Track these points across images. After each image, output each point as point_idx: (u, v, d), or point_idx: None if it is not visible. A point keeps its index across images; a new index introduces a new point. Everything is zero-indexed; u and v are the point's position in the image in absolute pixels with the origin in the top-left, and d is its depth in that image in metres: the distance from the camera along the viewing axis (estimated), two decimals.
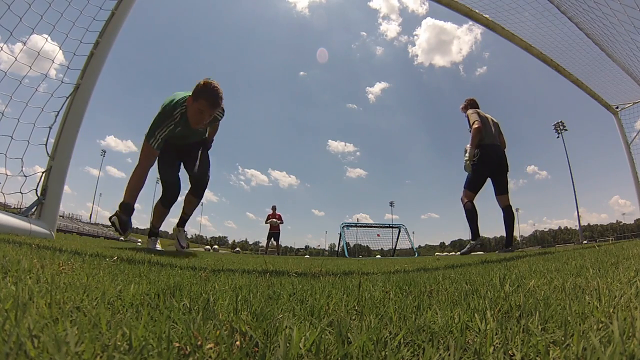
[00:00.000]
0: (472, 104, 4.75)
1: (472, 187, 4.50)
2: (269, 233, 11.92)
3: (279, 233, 11.91)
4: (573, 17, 4.77)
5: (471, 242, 4.55)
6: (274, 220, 11.79)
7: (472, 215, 4.48)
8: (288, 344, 0.39)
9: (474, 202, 4.49)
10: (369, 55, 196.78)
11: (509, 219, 4.41)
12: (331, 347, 0.41)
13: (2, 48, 2.71)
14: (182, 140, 3.20)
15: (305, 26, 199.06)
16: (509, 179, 4.52)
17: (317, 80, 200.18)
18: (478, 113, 4.51)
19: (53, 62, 3.07)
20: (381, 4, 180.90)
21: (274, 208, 12.03)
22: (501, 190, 4.47)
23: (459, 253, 4.75)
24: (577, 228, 40.25)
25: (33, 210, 2.75)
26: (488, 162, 4.38)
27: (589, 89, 6.69)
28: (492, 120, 4.55)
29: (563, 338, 0.44)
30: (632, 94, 6.99)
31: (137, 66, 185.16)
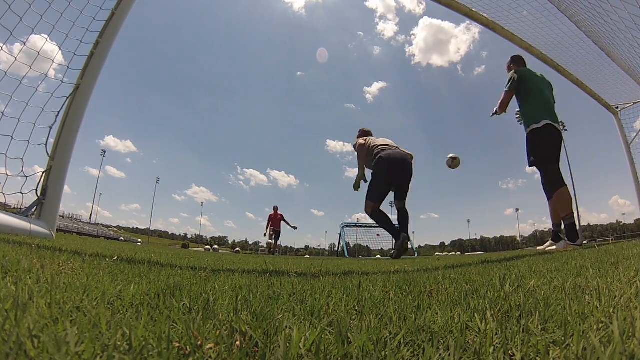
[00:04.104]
0: (360, 134, 5.14)
1: (375, 197, 4.55)
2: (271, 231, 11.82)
3: (280, 232, 11.85)
4: (573, 16, 4.78)
5: (396, 243, 4.54)
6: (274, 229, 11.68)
7: (382, 220, 4.59)
8: (288, 344, 0.39)
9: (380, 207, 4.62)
10: (366, 55, 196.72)
11: (404, 218, 4.63)
12: (331, 347, 0.41)
13: (1, 48, 2.71)
14: None
15: (302, 26, 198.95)
16: (410, 187, 4.69)
17: (314, 80, 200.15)
18: (364, 140, 4.81)
19: (53, 62, 3.07)
20: (378, 4, 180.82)
21: (275, 208, 11.93)
22: (400, 196, 4.66)
23: (390, 258, 4.73)
24: (577, 228, 40.24)
25: (33, 210, 2.75)
26: (387, 170, 4.50)
27: (589, 89, 6.70)
28: (384, 141, 4.81)
29: (563, 338, 0.44)
30: (632, 94, 6.99)
31: (136, 66, 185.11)
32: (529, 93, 3.69)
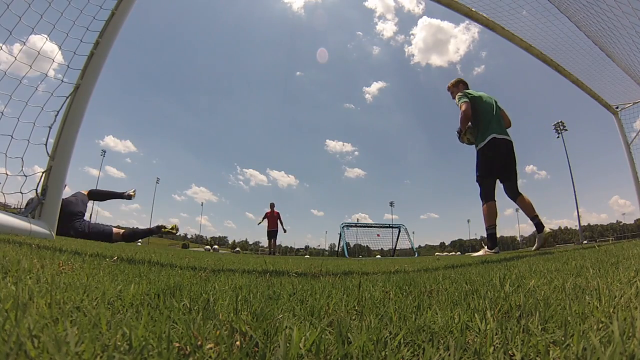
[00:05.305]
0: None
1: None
2: (268, 232, 11.73)
3: (277, 231, 11.72)
4: (572, 16, 4.77)
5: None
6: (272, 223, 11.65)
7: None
8: (288, 344, 0.39)
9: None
10: (365, 55, 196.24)
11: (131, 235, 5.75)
12: (331, 347, 0.41)
13: (1, 48, 2.71)
14: None
15: (301, 26, 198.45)
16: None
17: (314, 80, 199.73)
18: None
19: (53, 61, 3.07)
20: (377, 4, 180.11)
21: (272, 205, 11.79)
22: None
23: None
24: (577, 228, 40.23)
25: (33, 210, 2.75)
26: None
27: (589, 89, 6.69)
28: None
29: (563, 338, 0.44)
30: (632, 94, 6.99)
31: (136, 66, 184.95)
32: (476, 114, 4.02)
